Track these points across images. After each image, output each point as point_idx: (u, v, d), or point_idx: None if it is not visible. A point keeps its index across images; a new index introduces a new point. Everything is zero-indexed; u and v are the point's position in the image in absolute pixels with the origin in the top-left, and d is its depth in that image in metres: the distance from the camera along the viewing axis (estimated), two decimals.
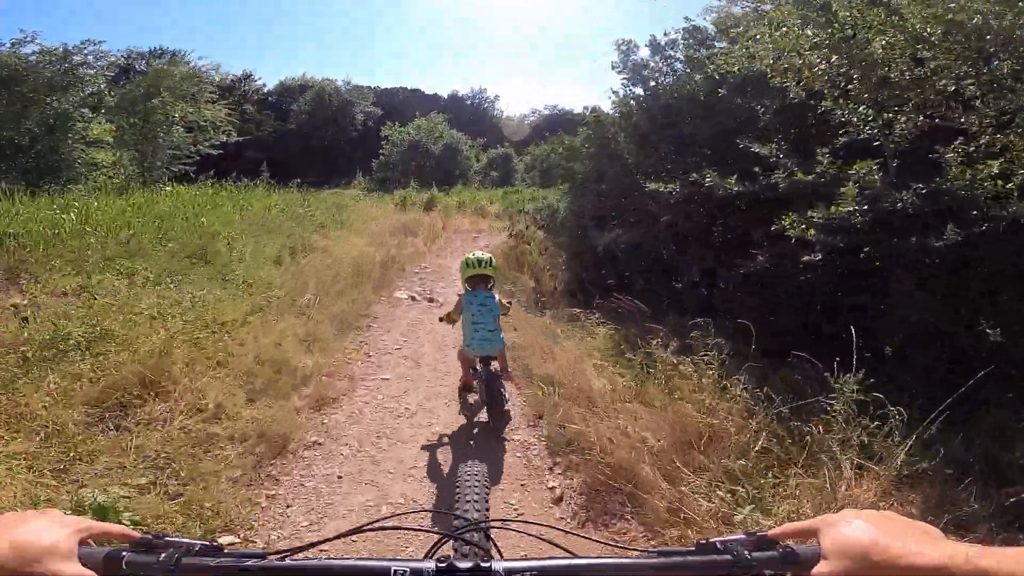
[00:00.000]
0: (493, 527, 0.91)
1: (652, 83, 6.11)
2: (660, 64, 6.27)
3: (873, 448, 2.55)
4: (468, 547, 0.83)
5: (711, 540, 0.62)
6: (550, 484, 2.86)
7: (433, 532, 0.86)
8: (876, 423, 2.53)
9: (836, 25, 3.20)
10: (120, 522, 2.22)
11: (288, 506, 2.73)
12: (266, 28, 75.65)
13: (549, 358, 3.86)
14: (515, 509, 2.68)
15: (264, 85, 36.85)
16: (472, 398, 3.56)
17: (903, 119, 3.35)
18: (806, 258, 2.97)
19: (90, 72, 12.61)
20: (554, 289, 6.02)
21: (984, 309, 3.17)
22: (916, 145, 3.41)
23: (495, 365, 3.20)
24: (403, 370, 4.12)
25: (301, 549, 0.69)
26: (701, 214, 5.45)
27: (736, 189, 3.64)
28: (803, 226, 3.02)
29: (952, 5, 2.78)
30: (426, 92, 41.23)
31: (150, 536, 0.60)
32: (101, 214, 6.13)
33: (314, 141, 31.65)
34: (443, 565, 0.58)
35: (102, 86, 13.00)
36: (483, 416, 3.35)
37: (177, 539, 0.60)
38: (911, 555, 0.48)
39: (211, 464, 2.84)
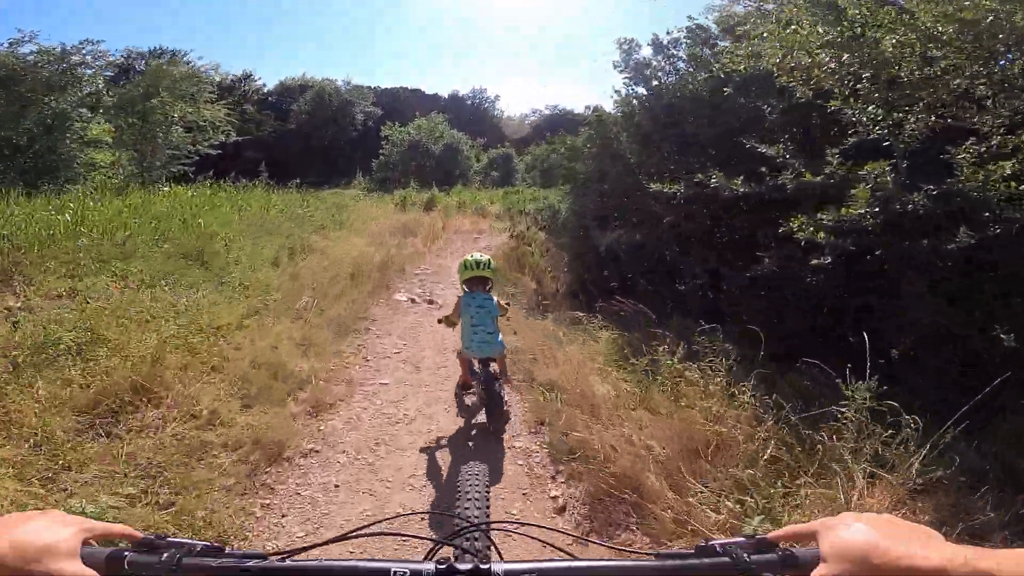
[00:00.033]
0: (493, 529, 0.91)
1: (655, 82, 6.03)
2: (663, 63, 6.19)
3: (885, 456, 2.47)
4: (468, 549, 0.83)
5: (711, 543, 0.62)
6: (552, 493, 2.78)
7: (432, 539, 0.85)
8: (890, 431, 2.45)
9: (845, 23, 3.12)
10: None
11: (283, 516, 2.66)
12: (266, 28, 75.67)
13: (551, 363, 3.79)
14: (517, 519, 2.61)
15: (264, 85, 36.82)
16: (469, 400, 3.52)
17: (913, 119, 3.28)
18: (815, 261, 2.90)
19: (88, 72, 12.56)
20: (556, 291, 5.94)
21: (997, 312, 3.10)
22: (926, 146, 3.34)
23: (494, 367, 3.19)
24: (402, 375, 4.04)
25: (302, 550, 0.69)
26: (704, 215, 5.38)
27: (742, 190, 3.56)
28: (811, 228, 2.94)
29: (966, 3, 2.70)
30: (426, 92, 41.17)
31: (152, 536, 0.60)
32: (97, 215, 6.06)
33: (314, 141, 31.58)
34: (443, 567, 0.59)
35: (100, 86, 12.93)
36: (481, 418, 3.31)
37: (179, 539, 0.60)
38: (911, 557, 0.48)
39: (204, 472, 2.77)
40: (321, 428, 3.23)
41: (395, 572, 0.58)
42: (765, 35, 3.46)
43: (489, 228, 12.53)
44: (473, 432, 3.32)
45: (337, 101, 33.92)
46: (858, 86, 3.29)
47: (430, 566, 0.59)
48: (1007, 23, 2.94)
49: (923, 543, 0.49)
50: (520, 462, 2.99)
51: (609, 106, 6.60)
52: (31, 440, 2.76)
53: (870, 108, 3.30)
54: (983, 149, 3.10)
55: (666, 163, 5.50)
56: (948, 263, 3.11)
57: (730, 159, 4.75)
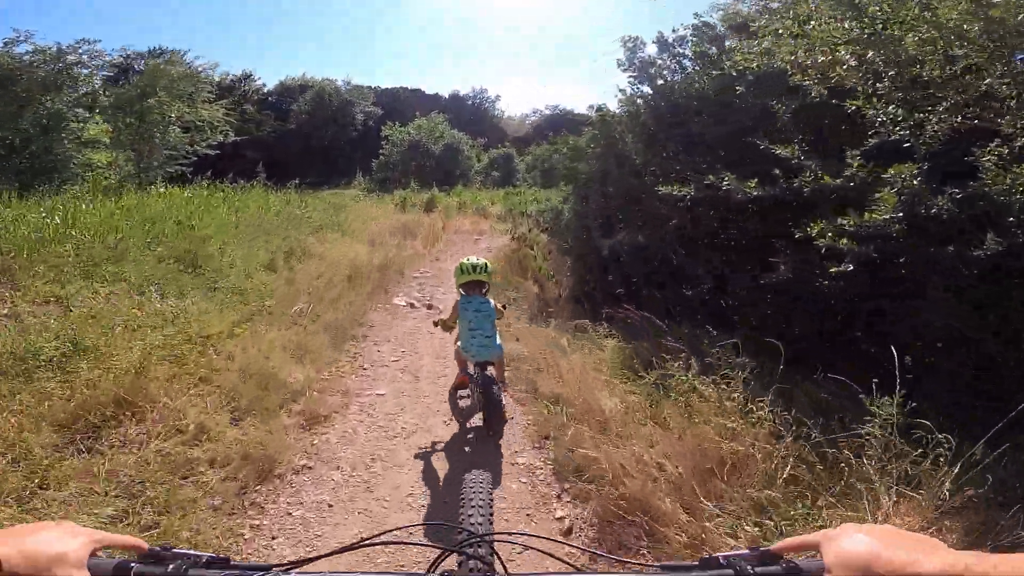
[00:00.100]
0: (498, 540, 0.89)
1: (660, 81, 5.88)
2: (668, 61, 6.03)
3: (910, 472, 2.34)
4: (471, 560, 0.83)
5: (715, 555, 0.62)
6: (558, 514, 2.63)
7: (437, 547, 0.86)
8: (919, 450, 2.31)
9: (866, 19, 2.97)
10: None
11: (273, 538, 2.51)
12: (266, 28, 75.49)
13: (554, 373, 3.63)
14: (523, 549, 2.46)
15: (264, 85, 36.64)
16: (464, 402, 3.43)
17: (935, 119, 3.13)
18: (836, 268, 2.74)
19: (84, 72, 12.44)
20: (558, 296, 5.79)
21: (1011, 317, 2.96)
22: (948, 147, 3.19)
23: (491, 370, 3.13)
24: (400, 384, 3.88)
25: (306, 562, 0.69)
26: (711, 217, 5.23)
27: (755, 193, 3.40)
28: (831, 234, 2.79)
29: (996, 0, 2.56)
30: (426, 92, 40.96)
31: (158, 548, 0.61)
32: (89, 217, 5.91)
33: (314, 141, 31.45)
34: None
35: (96, 86, 12.80)
36: (476, 421, 3.26)
37: (185, 551, 0.61)
38: (913, 565, 0.48)
39: (190, 491, 2.63)
40: (314, 442, 3.08)
41: None
42: (780, 31, 3.31)
43: (490, 229, 12.39)
44: (470, 436, 3.25)
45: (337, 101, 33.79)
46: (878, 85, 3.14)
47: None
48: None
49: (925, 551, 0.50)
50: (524, 479, 2.84)
51: (611, 105, 6.45)
52: (8, 456, 2.61)
53: (890, 108, 3.15)
54: (1006, 151, 2.96)
55: (672, 164, 5.34)
56: (974, 270, 2.95)
57: (739, 160, 4.60)
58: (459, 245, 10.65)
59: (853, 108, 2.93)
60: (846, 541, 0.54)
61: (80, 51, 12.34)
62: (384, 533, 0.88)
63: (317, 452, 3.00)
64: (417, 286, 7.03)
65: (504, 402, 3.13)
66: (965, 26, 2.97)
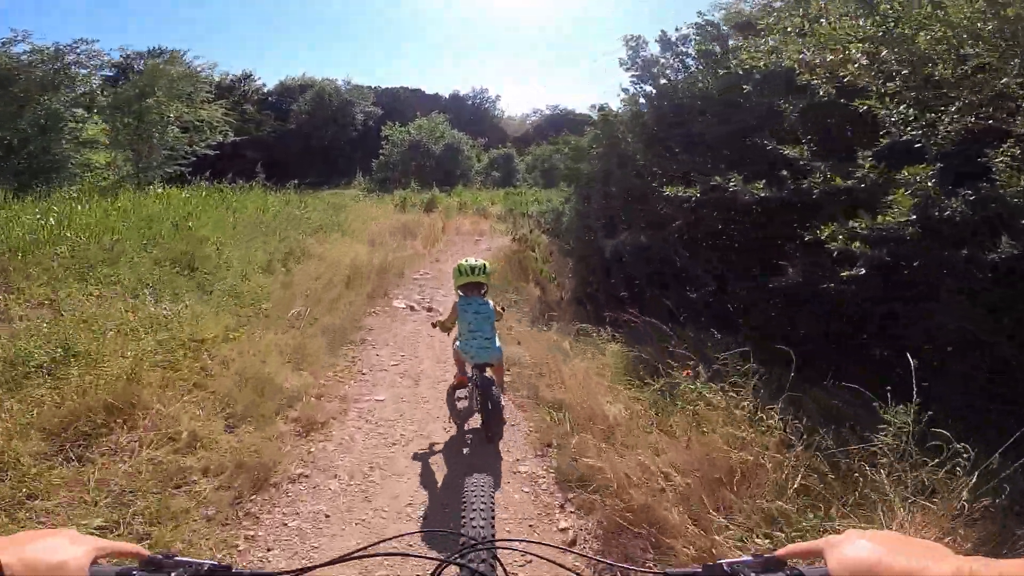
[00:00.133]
0: (499, 547, 0.89)
1: (663, 80, 5.80)
2: (671, 61, 5.96)
3: (924, 481, 2.27)
4: (473, 567, 0.82)
5: (718, 561, 0.62)
6: (562, 525, 2.56)
7: (436, 559, 0.83)
8: (935, 460, 2.24)
9: (877, 17, 2.90)
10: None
11: (269, 550, 2.44)
12: (266, 28, 75.47)
13: (557, 378, 3.55)
14: (523, 555, 2.38)
15: (264, 85, 36.61)
16: (462, 404, 3.38)
17: (947, 120, 3.06)
18: (847, 272, 2.66)
19: (83, 72, 12.36)
20: (560, 298, 5.70)
21: None
22: (961, 148, 3.11)
23: (490, 373, 3.07)
24: (400, 390, 3.80)
25: (308, 570, 0.69)
26: (714, 219, 5.16)
27: (763, 194, 3.32)
28: (842, 236, 2.71)
29: None
30: (427, 92, 40.88)
31: (160, 556, 0.61)
32: (85, 218, 5.83)
33: (314, 141, 31.38)
34: None
35: (94, 85, 12.73)
36: (474, 423, 3.24)
37: (186, 559, 0.61)
38: (918, 571, 0.48)
39: (182, 500, 2.56)
40: (311, 450, 3.00)
41: None
42: (788, 29, 3.23)
43: (490, 230, 12.32)
44: (468, 438, 3.21)
45: (337, 101, 33.71)
46: (888, 84, 3.06)
47: None
48: None
49: (930, 557, 0.49)
50: (526, 489, 2.76)
51: (613, 105, 6.37)
52: None
53: (901, 107, 3.08)
54: (1020, 152, 2.89)
55: (675, 163, 5.26)
56: (988, 273, 2.88)
57: (743, 160, 4.52)
58: (459, 246, 10.57)
59: (863, 108, 2.85)
60: (850, 547, 0.54)
61: (78, 51, 12.28)
62: (384, 541, 0.86)
63: (314, 460, 2.93)
64: (417, 288, 6.95)
65: (503, 404, 3.08)
66: (979, 24, 2.90)
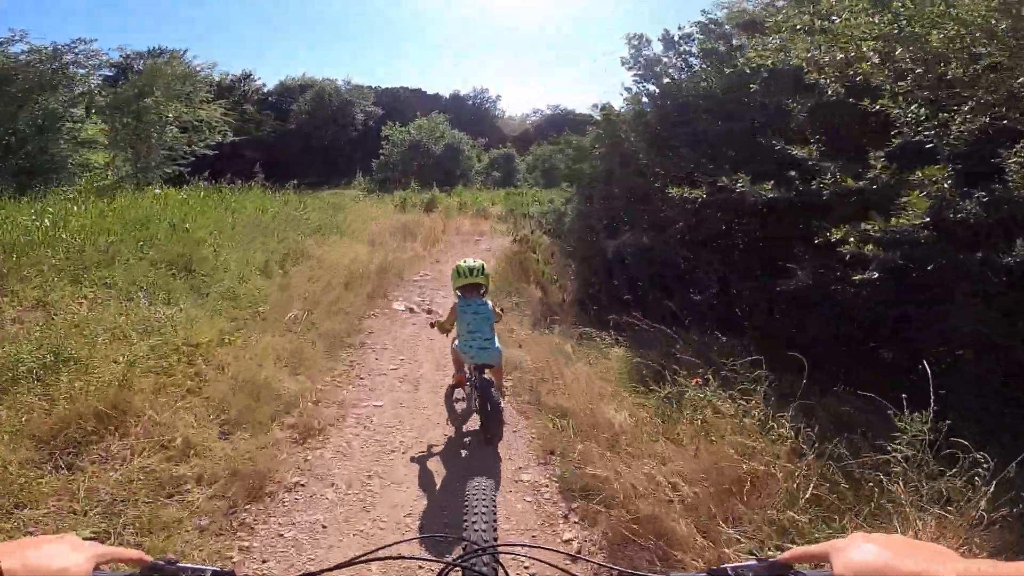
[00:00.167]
0: (502, 552, 0.89)
1: (666, 79, 5.72)
2: (674, 59, 5.88)
3: (942, 491, 2.21)
4: (476, 571, 0.82)
5: (723, 566, 0.62)
6: (565, 536, 2.48)
7: (440, 561, 0.84)
8: (953, 470, 2.17)
9: (889, 15, 2.83)
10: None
11: (264, 561, 2.37)
12: (266, 28, 75.43)
13: (559, 383, 3.48)
14: (526, 568, 2.31)
15: (264, 85, 36.56)
16: (460, 405, 3.35)
17: (959, 120, 2.98)
18: (859, 276, 2.59)
19: (81, 71, 12.29)
20: (562, 300, 5.63)
21: None
22: (973, 148, 3.04)
23: (488, 374, 3.04)
24: (399, 395, 3.72)
25: (311, 575, 0.68)
26: (718, 219, 5.09)
27: (771, 195, 3.25)
28: (853, 239, 2.63)
29: None
30: (427, 92, 40.82)
31: (163, 562, 0.61)
32: (80, 219, 5.75)
33: (314, 141, 31.32)
34: None
35: (93, 85, 12.65)
36: (472, 425, 3.22)
37: (189, 565, 0.61)
38: (923, 574, 0.48)
39: (175, 510, 2.48)
40: (308, 458, 2.92)
41: None
42: (797, 27, 3.15)
43: (490, 230, 12.25)
44: (467, 440, 3.18)
45: (337, 101, 33.65)
46: (900, 83, 2.99)
47: None
48: None
49: (936, 560, 0.49)
50: (528, 498, 2.68)
51: (614, 104, 6.29)
52: None
53: (912, 107, 3.00)
54: None
55: (678, 163, 5.18)
56: (1003, 277, 2.80)
57: (748, 159, 4.45)
58: (459, 247, 10.50)
59: (874, 107, 2.77)
60: (855, 551, 0.53)
61: (76, 51, 12.21)
62: (388, 546, 0.85)
63: (311, 468, 2.85)
64: (417, 290, 6.87)
65: (503, 406, 3.05)
66: (992, 23, 2.83)
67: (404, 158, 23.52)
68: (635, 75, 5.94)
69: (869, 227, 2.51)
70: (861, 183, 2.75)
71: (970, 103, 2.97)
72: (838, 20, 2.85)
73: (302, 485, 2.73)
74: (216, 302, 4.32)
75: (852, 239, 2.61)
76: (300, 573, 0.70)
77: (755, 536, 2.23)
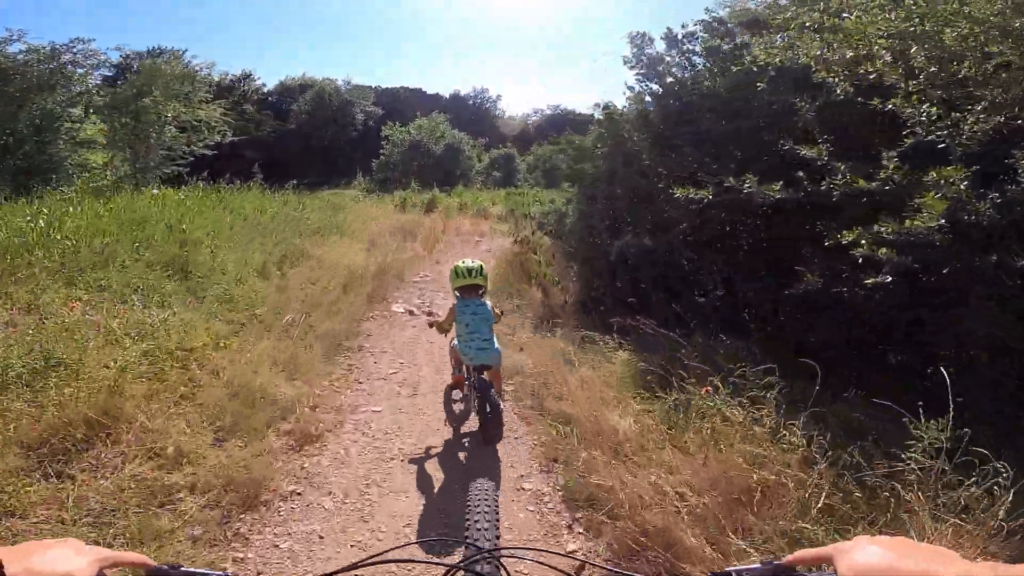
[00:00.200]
0: (504, 556, 0.89)
1: (668, 79, 5.65)
2: (677, 58, 5.81)
3: (961, 500, 2.14)
4: (480, 573, 0.83)
5: (726, 569, 0.63)
6: (569, 547, 2.41)
7: (443, 564, 0.85)
8: (972, 479, 2.09)
9: (902, 12, 2.75)
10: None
11: (259, 573, 2.30)
12: (266, 28, 75.37)
13: (562, 389, 3.40)
14: (529, 572, 2.24)
15: (264, 85, 36.53)
16: (458, 406, 3.30)
17: (972, 119, 2.91)
18: (871, 280, 2.51)
19: (79, 71, 12.21)
20: (564, 303, 5.55)
21: None
22: (986, 149, 2.97)
23: (487, 375, 3.00)
24: (398, 400, 3.65)
25: None
26: (722, 220, 5.01)
27: (779, 196, 3.17)
28: (865, 241, 2.56)
29: None
30: (427, 92, 40.76)
31: (166, 567, 0.62)
32: (75, 220, 5.67)
33: (314, 141, 31.26)
34: None
35: (90, 85, 12.58)
36: (471, 426, 3.20)
37: (192, 570, 0.61)
38: (927, 575, 0.48)
39: (167, 520, 2.41)
40: (304, 465, 2.85)
41: None
42: (806, 24, 3.08)
43: (491, 231, 12.19)
44: (465, 442, 3.16)
45: (337, 101, 33.58)
46: (912, 82, 2.91)
47: None
48: None
49: (939, 562, 0.49)
50: (531, 508, 2.61)
51: (616, 103, 6.21)
52: None
53: (924, 106, 2.93)
54: None
55: (682, 163, 5.11)
56: (1018, 280, 2.73)
57: (753, 159, 4.38)
58: (459, 247, 10.43)
59: (886, 107, 2.70)
60: (859, 553, 0.54)
61: (74, 50, 12.13)
62: (391, 550, 0.87)
63: (307, 476, 2.77)
64: (417, 291, 6.80)
65: (502, 408, 3.01)
66: (1005, 21, 2.75)
67: (404, 158, 23.46)
68: (637, 74, 5.87)
69: (883, 229, 2.43)
70: (873, 184, 2.68)
71: (983, 103, 2.90)
72: (849, 18, 2.78)
73: (298, 494, 2.66)
74: (212, 305, 4.24)
75: (865, 242, 2.53)
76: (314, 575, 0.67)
77: (766, 547, 2.16)
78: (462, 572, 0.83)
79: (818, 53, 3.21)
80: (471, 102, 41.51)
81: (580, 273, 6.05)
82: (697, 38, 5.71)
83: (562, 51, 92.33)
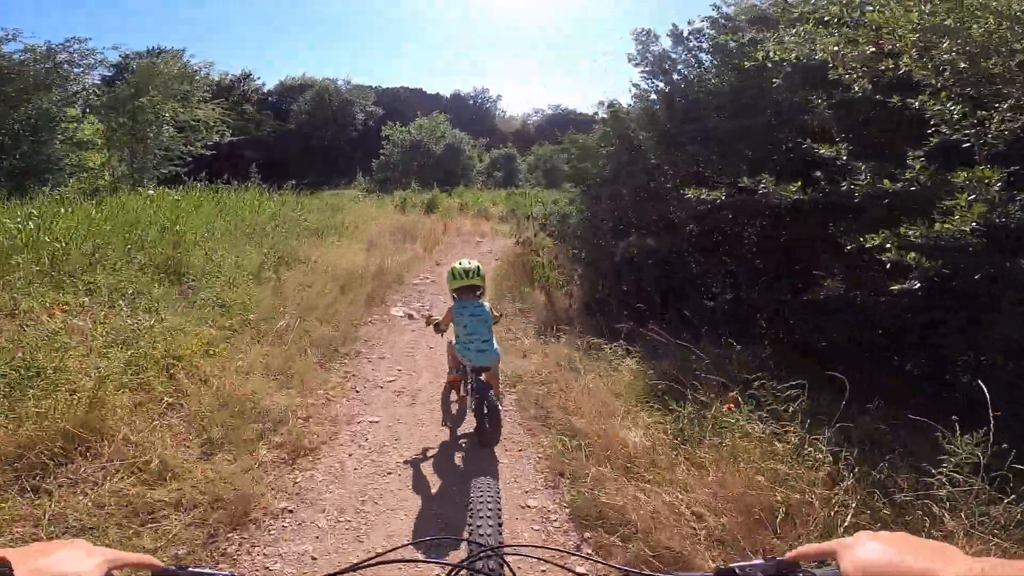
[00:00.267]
0: (508, 553, 0.88)
1: (675, 76, 5.51)
2: (683, 55, 5.67)
3: (1001, 520, 2.01)
4: (483, 572, 0.82)
5: (730, 565, 0.62)
6: (578, 569, 2.25)
7: (446, 563, 0.86)
8: (1011, 496, 1.96)
9: (929, 6, 2.61)
10: None
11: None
12: (266, 28, 75.36)
13: (568, 398, 3.25)
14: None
15: (264, 85, 36.47)
16: (455, 407, 3.23)
17: (997, 118, 2.77)
18: (898, 286, 2.36)
19: (76, 71, 12.08)
20: (569, 306, 5.40)
21: None
22: (1012, 148, 2.82)
23: (485, 377, 2.98)
24: (396, 410, 3.50)
25: None
26: (731, 221, 4.87)
27: (797, 197, 3.03)
28: (891, 245, 2.41)
29: None
30: (427, 92, 40.70)
31: (174, 567, 0.61)
32: (67, 221, 5.53)
33: (314, 141, 31.17)
34: None
35: (87, 85, 12.45)
36: (468, 428, 3.16)
37: (199, 570, 0.61)
38: (930, 572, 0.48)
39: (149, 539, 2.27)
40: (297, 480, 2.70)
41: None
42: (825, 18, 2.94)
43: (492, 231, 12.06)
44: (463, 443, 3.10)
45: (337, 101, 33.49)
46: (940, 78, 2.77)
47: None
48: None
49: (942, 558, 0.49)
50: (536, 527, 2.46)
51: (619, 102, 6.06)
52: None
53: (948, 104, 2.78)
54: None
55: (689, 162, 4.96)
56: None
57: (765, 158, 4.24)
58: (460, 248, 10.30)
59: (913, 104, 2.56)
60: (862, 549, 0.54)
61: (71, 50, 11.99)
62: (393, 550, 0.86)
63: (300, 492, 2.63)
64: (416, 294, 6.65)
65: (501, 409, 2.93)
66: None
67: (404, 158, 23.34)
68: (642, 71, 5.73)
69: (911, 233, 2.29)
70: (899, 185, 2.53)
71: (1010, 100, 2.76)
72: (873, 12, 2.64)
73: (290, 511, 2.51)
74: (202, 311, 4.09)
75: (891, 245, 2.38)
76: None
77: None
78: (465, 571, 0.82)
79: (835, 49, 3.07)
80: (471, 102, 41.42)
81: (584, 275, 5.90)
82: (704, 35, 5.57)
83: (562, 51, 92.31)
